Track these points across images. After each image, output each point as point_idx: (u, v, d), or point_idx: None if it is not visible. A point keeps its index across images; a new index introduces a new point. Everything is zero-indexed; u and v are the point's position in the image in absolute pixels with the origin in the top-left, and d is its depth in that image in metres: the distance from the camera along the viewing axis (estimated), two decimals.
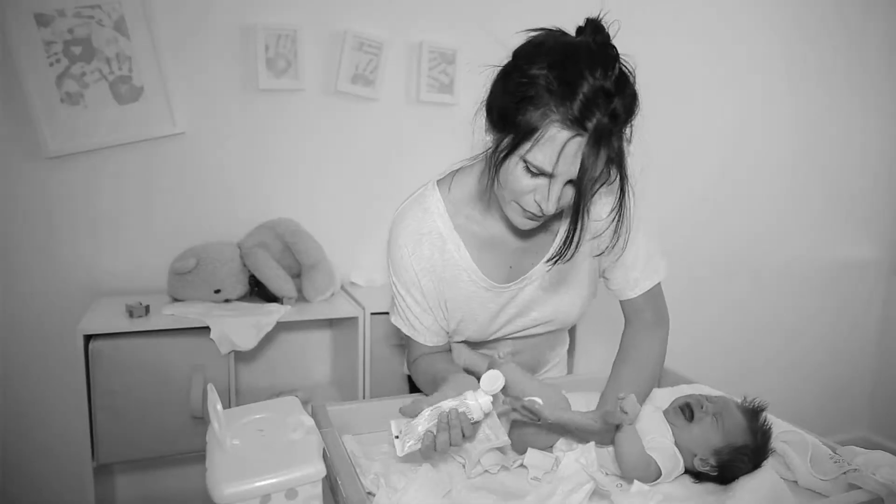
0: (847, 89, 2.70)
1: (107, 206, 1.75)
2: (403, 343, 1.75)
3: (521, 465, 0.97)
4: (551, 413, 0.90)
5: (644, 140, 0.93)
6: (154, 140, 1.75)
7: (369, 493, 0.85)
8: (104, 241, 1.76)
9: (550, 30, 0.91)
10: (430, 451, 0.85)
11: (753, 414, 0.99)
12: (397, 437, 0.85)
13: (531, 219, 0.95)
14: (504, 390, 0.92)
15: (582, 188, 0.86)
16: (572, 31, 0.90)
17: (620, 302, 1.14)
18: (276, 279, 1.70)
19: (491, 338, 1.16)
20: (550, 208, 0.90)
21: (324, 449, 0.81)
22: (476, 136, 0.97)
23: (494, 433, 0.90)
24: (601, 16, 0.88)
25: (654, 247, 1.11)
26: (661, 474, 0.92)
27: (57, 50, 1.61)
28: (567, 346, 1.39)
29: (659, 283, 1.12)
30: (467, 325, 1.11)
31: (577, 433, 0.95)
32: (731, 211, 2.59)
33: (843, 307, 2.93)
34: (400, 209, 1.10)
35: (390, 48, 1.93)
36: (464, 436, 0.86)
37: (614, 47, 0.86)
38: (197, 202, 1.83)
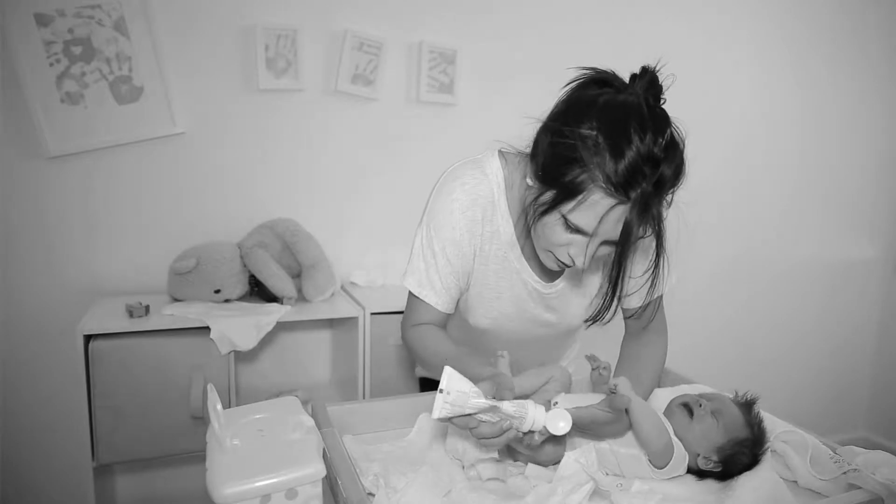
0: (848, 90, 2.70)
1: (107, 206, 1.75)
2: (400, 345, 1.75)
3: (521, 474, 0.97)
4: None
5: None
6: (154, 140, 1.75)
7: (369, 494, 0.84)
8: (104, 241, 1.76)
9: (602, 73, 0.89)
10: (464, 428, 0.81)
11: (748, 407, 1.01)
12: (441, 391, 0.77)
13: (561, 268, 0.97)
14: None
15: (623, 254, 0.87)
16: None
17: (623, 309, 1.15)
18: (276, 279, 1.70)
19: (502, 329, 1.14)
20: (581, 263, 0.91)
21: (324, 449, 0.81)
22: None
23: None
24: (658, 67, 0.88)
25: (665, 258, 1.11)
26: (673, 452, 0.92)
27: (57, 50, 1.61)
28: (576, 350, 1.39)
29: (662, 295, 1.12)
30: (490, 306, 1.09)
31: (592, 429, 0.94)
32: (732, 212, 2.59)
33: (843, 307, 2.93)
34: (455, 165, 1.06)
35: (390, 48, 1.93)
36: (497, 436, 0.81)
37: (666, 113, 0.86)
38: (197, 202, 1.83)
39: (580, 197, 0.84)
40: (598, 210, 0.84)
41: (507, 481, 0.96)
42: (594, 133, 0.83)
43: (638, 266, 1.04)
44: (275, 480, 0.71)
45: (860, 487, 0.89)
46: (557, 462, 0.95)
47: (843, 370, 3.02)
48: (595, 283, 1.12)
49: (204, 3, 1.74)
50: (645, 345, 1.12)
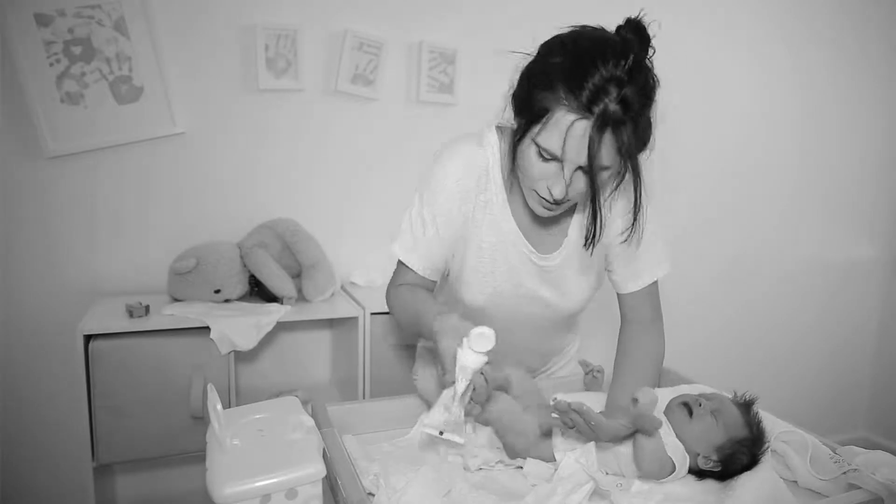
0: (848, 90, 2.70)
1: (107, 206, 1.75)
2: (400, 345, 1.74)
3: (519, 467, 0.97)
4: (578, 420, 0.89)
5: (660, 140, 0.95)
6: (154, 140, 1.75)
7: (369, 494, 0.85)
8: (104, 241, 1.76)
9: (588, 27, 0.93)
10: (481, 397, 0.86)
11: (746, 407, 1.02)
12: (442, 433, 0.83)
13: (547, 208, 0.97)
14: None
15: (592, 167, 0.87)
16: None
17: (619, 296, 1.15)
18: (276, 279, 1.70)
19: (498, 308, 1.13)
20: (558, 193, 0.92)
21: (324, 449, 0.81)
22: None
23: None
24: (641, 15, 0.91)
25: (661, 244, 1.11)
26: (673, 471, 0.92)
27: (57, 50, 1.61)
28: (576, 346, 1.39)
29: (657, 281, 1.12)
30: (484, 282, 1.09)
31: (606, 440, 0.94)
32: (732, 212, 2.59)
33: (843, 307, 2.93)
34: (453, 139, 1.10)
35: (390, 48, 1.93)
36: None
37: (634, 40, 0.88)
38: (197, 202, 1.83)
39: (546, 116, 0.87)
40: (561, 127, 0.86)
41: (508, 467, 0.96)
42: (561, 59, 0.88)
43: (617, 206, 1.05)
44: (275, 480, 0.71)
45: (860, 487, 0.89)
46: (552, 458, 0.96)
47: (843, 370, 3.02)
48: (594, 262, 1.11)
49: (204, 3, 1.74)
50: (643, 338, 1.11)
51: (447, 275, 1.16)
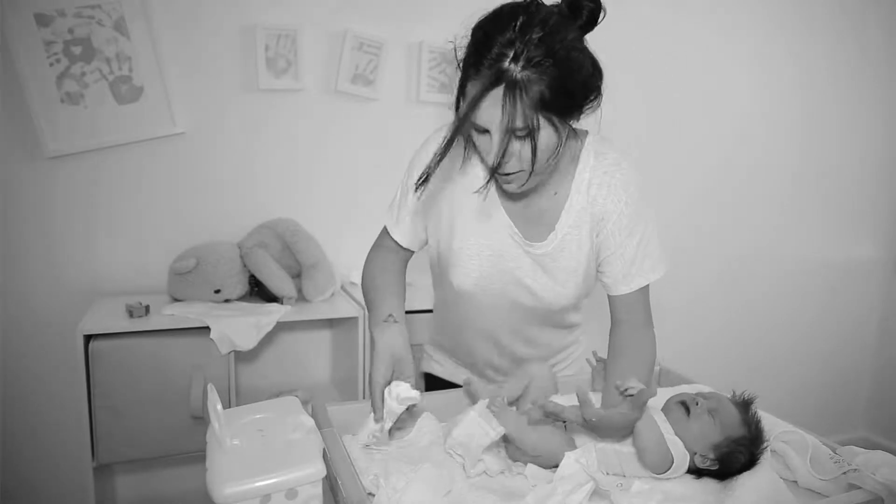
0: (848, 89, 2.70)
1: (107, 206, 1.75)
2: None
3: (520, 473, 0.97)
4: (576, 415, 0.90)
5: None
6: (154, 140, 1.75)
7: (370, 494, 0.85)
8: (104, 241, 1.76)
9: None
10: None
11: (745, 406, 1.01)
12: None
13: (504, 182, 1.00)
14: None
15: (501, 134, 0.90)
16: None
17: (611, 298, 1.13)
18: (276, 279, 1.70)
19: (485, 293, 1.14)
20: (490, 160, 0.94)
21: (324, 449, 0.81)
22: None
23: (490, 425, 0.91)
24: None
25: (655, 246, 1.10)
26: (672, 464, 0.92)
27: (57, 50, 1.61)
28: (580, 350, 1.37)
29: (648, 285, 1.11)
30: (471, 265, 1.11)
31: (607, 434, 0.94)
32: (732, 211, 2.59)
33: (843, 307, 2.93)
34: (445, 124, 1.12)
35: (390, 48, 1.93)
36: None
37: (536, 3, 0.90)
38: (197, 202, 1.83)
39: (466, 90, 0.92)
40: (476, 97, 0.89)
41: (512, 474, 0.96)
42: (470, 42, 0.92)
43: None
44: (275, 480, 0.71)
45: (860, 487, 0.89)
46: (556, 464, 0.96)
47: (843, 370, 3.02)
48: (584, 259, 1.10)
49: (204, 3, 1.74)
50: (636, 341, 1.11)
51: (434, 254, 1.20)
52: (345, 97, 1.92)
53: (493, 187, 1.07)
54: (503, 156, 0.93)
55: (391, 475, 0.87)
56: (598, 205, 1.06)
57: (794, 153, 2.66)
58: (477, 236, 1.10)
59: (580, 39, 0.92)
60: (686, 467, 0.95)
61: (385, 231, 1.20)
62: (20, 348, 1.74)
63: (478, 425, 0.91)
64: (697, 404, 0.99)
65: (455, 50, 0.95)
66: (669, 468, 0.93)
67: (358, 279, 1.97)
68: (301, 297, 1.79)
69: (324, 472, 0.74)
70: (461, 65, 0.94)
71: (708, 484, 0.96)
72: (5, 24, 1.56)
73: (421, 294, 1.89)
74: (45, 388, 1.77)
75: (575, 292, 1.13)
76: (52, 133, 1.64)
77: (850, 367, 3.04)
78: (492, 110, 0.89)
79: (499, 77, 0.86)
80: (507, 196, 1.09)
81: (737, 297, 2.68)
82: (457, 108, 0.96)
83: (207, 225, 1.83)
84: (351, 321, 1.76)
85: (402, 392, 0.94)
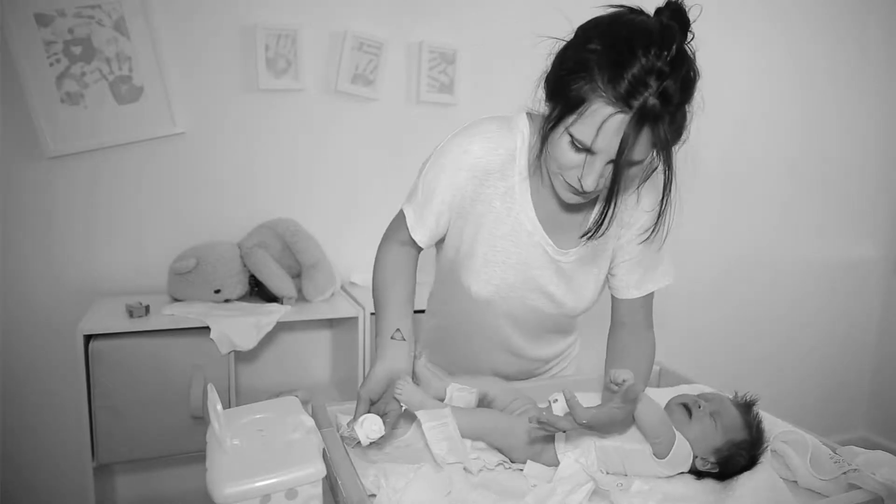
0: (848, 89, 2.70)
1: (107, 206, 1.75)
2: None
3: (520, 470, 0.97)
4: (569, 422, 0.88)
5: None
6: (154, 140, 1.75)
7: (371, 496, 0.85)
8: (104, 241, 1.76)
9: (627, 8, 0.89)
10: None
11: (747, 408, 1.01)
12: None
13: (575, 193, 0.94)
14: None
15: (619, 164, 0.85)
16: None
17: (616, 300, 1.13)
18: (276, 279, 1.70)
19: (504, 301, 1.11)
20: (589, 185, 0.89)
21: (324, 449, 0.81)
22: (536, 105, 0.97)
23: (440, 422, 0.93)
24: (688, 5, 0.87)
25: (666, 252, 1.10)
26: (674, 443, 0.92)
27: (57, 50, 1.61)
28: (577, 350, 1.37)
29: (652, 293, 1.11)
30: (493, 272, 1.07)
31: (606, 429, 0.94)
32: (731, 211, 2.59)
33: (843, 307, 2.93)
34: (483, 118, 1.06)
35: (390, 48, 1.93)
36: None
37: (676, 28, 0.84)
38: (197, 202, 1.83)
39: (582, 107, 0.84)
40: (597, 120, 0.83)
41: (510, 468, 0.96)
42: (599, 47, 0.83)
43: (646, 200, 1.02)
44: (275, 480, 0.71)
45: (860, 487, 0.89)
46: (556, 462, 0.96)
47: (842, 370, 3.02)
48: (605, 263, 1.09)
49: (204, 3, 1.74)
50: (638, 343, 1.10)
51: (447, 259, 1.13)
52: (345, 97, 1.92)
53: (525, 192, 1.03)
54: (590, 181, 0.88)
55: (391, 475, 0.87)
56: (624, 210, 1.04)
57: (793, 153, 2.66)
58: (505, 242, 1.05)
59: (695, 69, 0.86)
60: (690, 459, 0.95)
61: (404, 225, 1.09)
62: (20, 348, 1.74)
63: (436, 430, 0.92)
64: (700, 407, 0.98)
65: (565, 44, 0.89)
66: (670, 449, 0.92)
67: (358, 279, 1.98)
68: (301, 297, 1.79)
69: (324, 472, 0.74)
70: (570, 58, 0.86)
71: (707, 483, 0.96)
72: (5, 24, 1.56)
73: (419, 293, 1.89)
74: (45, 388, 1.77)
75: (593, 297, 1.12)
76: (52, 133, 1.64)
77: (850, 367, 3.04)
78: (612, 137, 0.83)
79: (639, 110, 0.81)
80: (547, 201, 1.04)
81: (736, 297, 2.68)
82: (558, 104, 0.88)
83: (207, 225, 1.83)
84: (351, 321, 1.76)
85: (371, 427, 0.91)
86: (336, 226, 1.97)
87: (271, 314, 1.65)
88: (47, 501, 1.84)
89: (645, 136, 0.83)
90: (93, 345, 1.47)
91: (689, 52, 0.85)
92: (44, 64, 1.61)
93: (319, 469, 0.73)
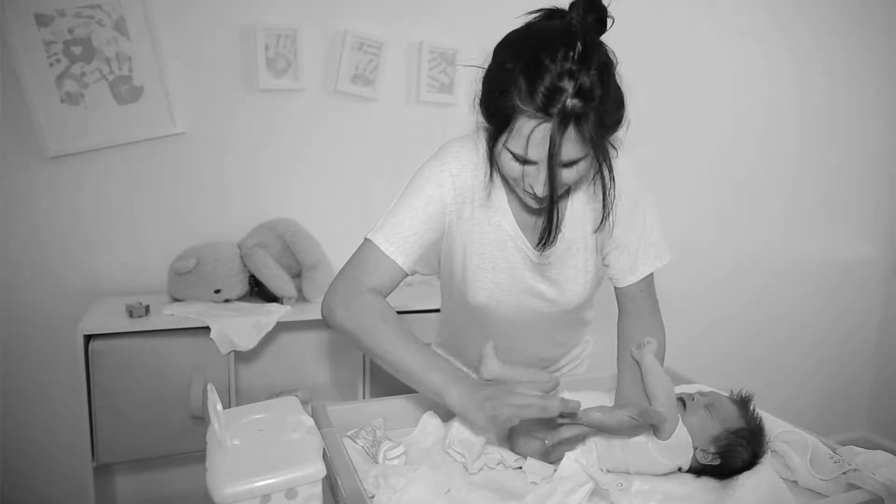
0: (848, 88, 2.70)
1: (107, 206, 1.75)
2: None
3: (520, 468, 0.98)
4: (589, 417, 0.90)
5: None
6: (154, 140, 1.75)
7: (371, 498, 0.85)
8: (104, 241, 1.76)
9: (545, 12, 0.92)
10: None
11: (743, 403, 1.02)
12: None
13: (535, 199, 0.97)
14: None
15: (552, 168, 0.88)
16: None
17: (617, 290, 1.14)
18: (276, 279, 1.70)
19: (500, 304, 1.12)
20: (539, 192, 0.93)
21: (324, 449, 0.81)
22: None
23: None
24: None
25: (659, 235, 1.10)
26: (677, 425, 0.93)
27: (57, 50, 1.61)
28: (590, 348, 1.38)
29: (653, 273, 1.11)
30: (485, 278, 1.09)
31: (614, 432, 0.95)
32: (731, 211, 2.59)
33: (843, 307, 2.93)
34: (449, 141, 1.09)
35: (390, 48, 1.93)
36: None
37: (577, 24, 0.86)
38: (197, 202, 1.83)
39: (510, 125, 0.88)
40: (524, 133, 0.86)
41: (510, 467, 0.97)
42: (512, 65, 0.87)
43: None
44: (275, 480, 0.71)
45: (860, 487, 0.89)
46: (558, 460, 0.96)
47: (843, 370, 3.02)
48: (592, 256, 1.10)
49: (204, 3, 1.74)
50: (644, 324, 1.11)
51: (444, 274, 1.16)
52: (345, 97, 1.92)
53: (502, 200, 1.06)
54: (540, 186, 0.92)
55: (391, 475, 0.87)
56: (597, 201, 1.04)
57: (795, 153, 2.66)
58: (492, 249, 1.08)
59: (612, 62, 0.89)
60: (690, 451, 0.95)
61: (373, 268, 1.03)
62: (20, 348, 1.74)
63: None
64: (694, 399, 1.00)
65: (484, 70, 0.93)
66: (675, 430, 0.93)
67: None
68: (301, 297, 1.79)
69: (324, 472, 0.74)
70: (492, 79, 0.91)
71: (708, 484, 0.96)
72: (5, 24, 1.56)
73: (420, 293, 1.89)
74: (45, 388, 1.77)
75: (587, 289, 1.13)
76: (52, 133, 1.64)
77: (850, 367, 3.04)
78: (542, 146, 0.87)
79: (560, 115, 0.83)
80: (522, 207, 1.07)
81: (736, 298, 2.68)
82: (492, 125, 0.92)
83: (207, 225, 1.83)
84: None
85: (392, 454, 0.94)
86: (336, 226, 1.97)
87: (271, 314, 1.65)
88: (47, 501, 1.84)
89: (572, 137, 0.86)
90: (93, 345, 1.47)
91: (598, 42, 0.88)
92: (44, 64, 1.61)
93: (319, 469, 0.73)
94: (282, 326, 1.74)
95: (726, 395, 1.06)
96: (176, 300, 1.69)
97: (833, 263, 2.87)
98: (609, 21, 0.89)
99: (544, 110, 0.84)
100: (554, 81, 0.83)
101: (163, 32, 1.70)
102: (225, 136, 1.83)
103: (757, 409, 1.02)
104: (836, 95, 2.68)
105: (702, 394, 1.03)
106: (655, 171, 2.36)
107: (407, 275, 1.06)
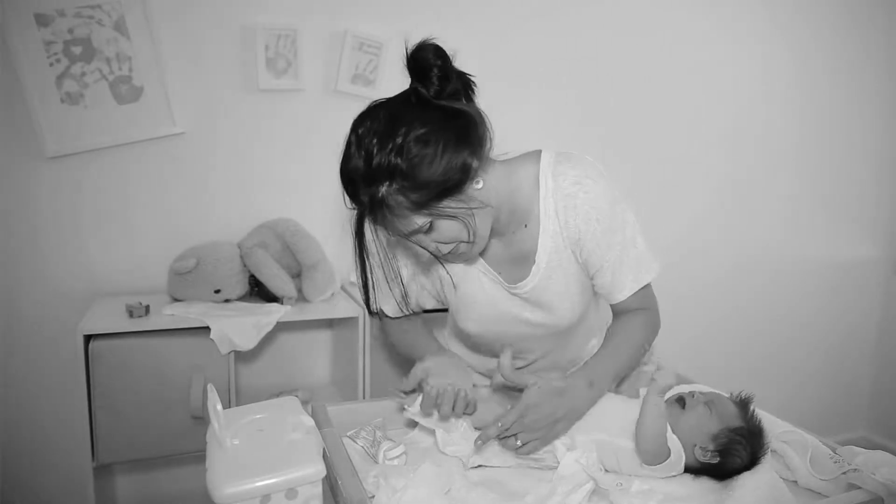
0: (848, 88, 2.70)
1: (107, 206, 1.75)
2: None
3: (519, 468, 0.98)
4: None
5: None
6: (154, 140, 1.75)
7: (371, 498, 0.85)
8: (104, 241, 1.76)
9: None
10: (430, 406, 0.97)
11: (743, 403, 1.02)
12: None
13: (454, 256, 1.00)
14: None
15: (406, 239, 0.93)
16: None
17: (611, 305, 1.14)
18: (276, 279, 1.70)
19: (490, 332, 1.15)
20: (435, 253, 0.96)
21: (324, 449, 0.81)
22: None
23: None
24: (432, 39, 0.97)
25: (642, 249, 1.08)
26: (668, 457, 0.92)
27: (57, 50, 1.61)
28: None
29: (648, 284, 1.10)
30: (471, 309, 1.13)
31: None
32: (731, 212, 2.59)
33: (843, 307, 2.93)
34: None
35: (390, 48, 1.93)
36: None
37: (367, 111, 0.98)
38: (197, 202, 1.83)
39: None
40: (363, 222, 0.94)
41: (505, 463, 0.98)
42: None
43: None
44: (275, 480, 0.71)
45: (860, 487, 0.89)
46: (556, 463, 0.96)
47: (843, 370, 3.02)
48: (575, 275, 1.09)
49: (204, 3, 1.74)
50: (628, 318, 1.11)
51: (445, 300, 1.20)
52: (345, 97, 1.92)
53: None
54: (431, 249, 0.96)
55: (391, 475, 0.87)
56: (570, 227, 1.02)
57: (795, 153, 2.66)
58: (469, 286, 1.11)
59: (426, 119, 0.92)
60: (682, 465, 0.95)
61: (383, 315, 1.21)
62: (20, 348, 1.74)
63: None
64: (693, 396, 1.00)
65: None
66: (665, 462, 0.93)
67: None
68: (301, 297, 1.78)
69: (324, 472, 0.74)
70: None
71: (707, 483, 0.96)
72: (5, 24, 1.56)
73: None
74: (45, 388, 1.77)
75: (574, 309, 1.12)
76: (52, 133, 1.64)
77: (850, 367, 3.04)
78: (380, 229, 0.94)
79: (366, 208, 0.90)
80: (488, 245, 1.08)
81: (736, 298, 2.68)
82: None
83: (207, 225, 1.83)
84: (351, 321, 1.76)
85: (392, 454, 0.97)
86: (336, 226, 1.97)
87: (271, 314, 1.65)
88: (47, 501, 1.84)
89: (395, 215, 0.90)
90: (93, 345, 1.47)
91: (384, 117, 0.96)
92: (44, 64, 1.61)
93: (319, 469, 0.73)
94: (282, 326, 1.74)
95: (727, 395, 1.06)
96: (176, 300, 1.68)
97: (833, 263, 2.86)
98: (433, 74, 0.97)
99: (354, 204, 0.92)
100: (350, 174, 0.91)
101: (163, 32, 1.70)
102: (225, 136, 1.83)
103: (757, 411, 1.02)
104: (836, 95, 2.68)
105: (702, 393, 1.03)
106: (655, 171, 2.36)
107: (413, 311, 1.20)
